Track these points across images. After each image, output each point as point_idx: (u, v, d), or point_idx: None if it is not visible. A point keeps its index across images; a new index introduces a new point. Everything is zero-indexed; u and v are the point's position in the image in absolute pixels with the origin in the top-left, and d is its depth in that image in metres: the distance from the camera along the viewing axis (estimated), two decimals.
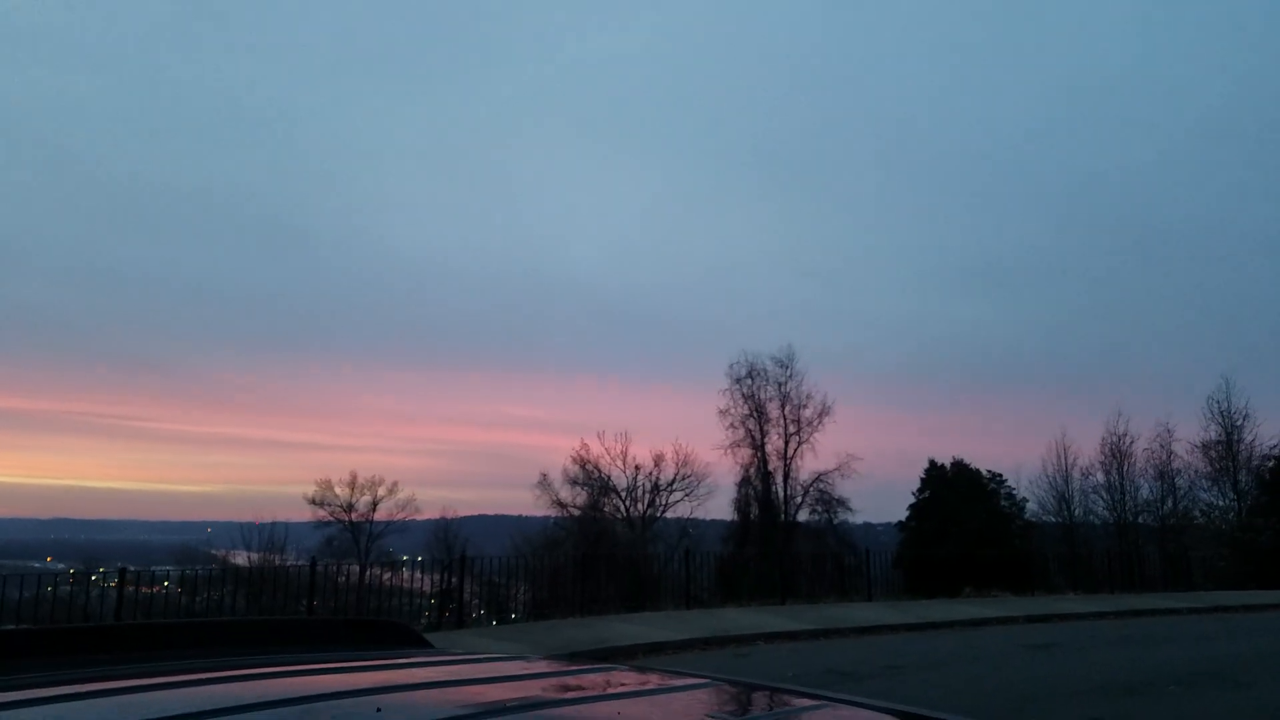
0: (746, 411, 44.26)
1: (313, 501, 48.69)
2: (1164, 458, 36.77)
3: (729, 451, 43.92)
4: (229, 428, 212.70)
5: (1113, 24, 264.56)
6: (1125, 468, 37.47)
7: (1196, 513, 35.66)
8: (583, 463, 43.13)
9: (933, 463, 41.10)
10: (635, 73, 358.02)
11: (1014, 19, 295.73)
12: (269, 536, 44.62)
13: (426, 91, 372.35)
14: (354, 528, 49.15)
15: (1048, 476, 38.72)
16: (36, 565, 49.88)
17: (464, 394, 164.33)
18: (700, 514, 44.30)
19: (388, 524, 50.12)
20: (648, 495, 43.63)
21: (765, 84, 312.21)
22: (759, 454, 43.73)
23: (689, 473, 43.64)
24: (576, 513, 42.56)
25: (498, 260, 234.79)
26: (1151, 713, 8.35)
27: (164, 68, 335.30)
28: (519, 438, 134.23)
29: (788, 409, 44.10)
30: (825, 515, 43.29)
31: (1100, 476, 37.97)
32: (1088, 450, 40.19)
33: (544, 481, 43.02)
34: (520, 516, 51.11)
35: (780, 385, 44.35)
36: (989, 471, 40.57)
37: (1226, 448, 34.81)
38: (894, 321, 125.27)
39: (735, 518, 43.52)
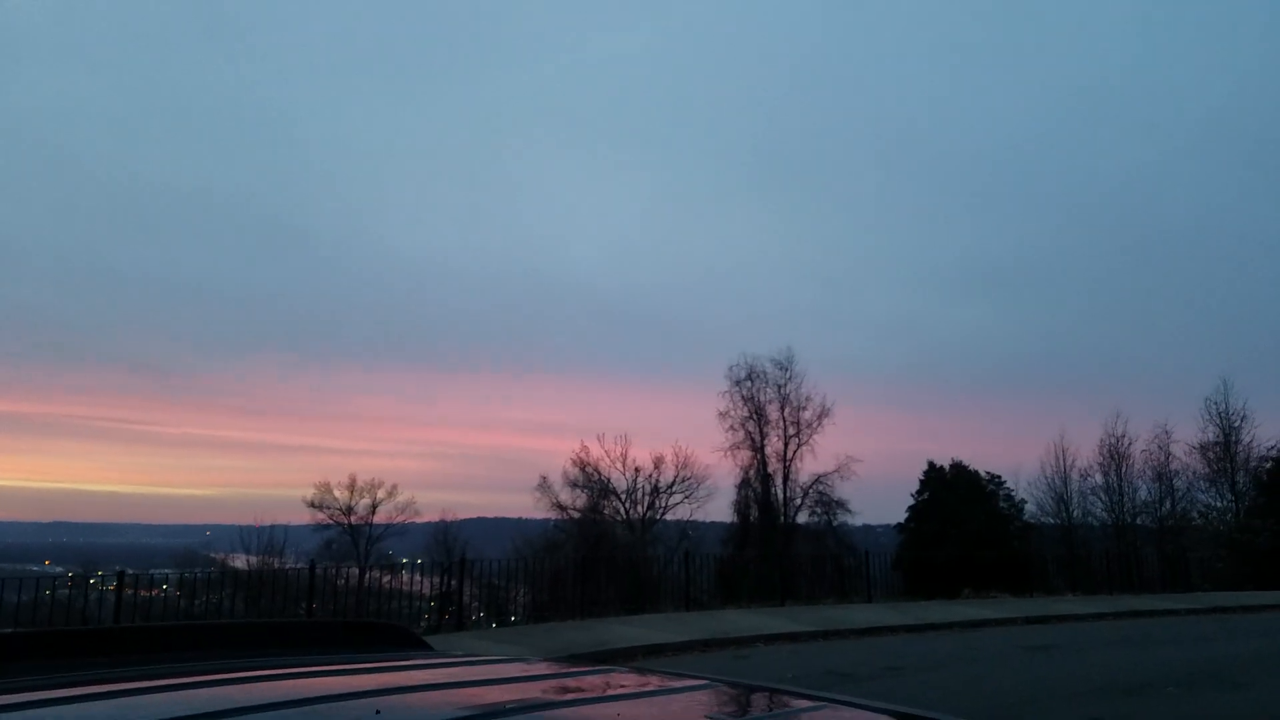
0: (746, 414, 44.29)
1: (312, 504, 48.68)
2: (1162, 459, 36.84)
3: (729, 454, 43.97)
4: (228, 431, 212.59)
5: (1113, 25, 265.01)
6: (1124, 469, 37.54)
7: (1195, 514, 35.69)
8: (582, 465, 43.16)
9: (932, 464, 41.14)
10: (635, 73, 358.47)
11: (1014, 20, 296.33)
12: (268, 539, 44.61)
13: (426, 93, 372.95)
14: (353, 530, 49.12)
15: (1046, 478, 38.79)
16: (35, 569, 49.87)
17: (463, 396, 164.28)
18: (700, 516, 44.32)
19: (387, 527, 50.13)
20: (647, 497, 43.64)
21: (765, 85, 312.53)
22: (758, 456, 43.75)
23: (689, 475, 43.67)
24: (576, 515, 42.54)
25: (497, 261, 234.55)
26: (1150, 714, 8.36)
27: (164, 69, 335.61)
28: (519, 440, 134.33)
29: (787, 411, 44.14)
30: (825, 517, 43.30)
31: (1099, 478, 38.04)
32: (1086, 452, 40.26)
33: (544, 484, 43.04)
34: (520, 519, 51.06)
35: (780, 387, 44.39)
36: (988, 473, 40.61)
37: (1224, 449, 34.85)
38: (893, 323, 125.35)
39: (735, 520, 43.51)
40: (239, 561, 42.99)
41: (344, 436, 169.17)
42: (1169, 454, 36.62)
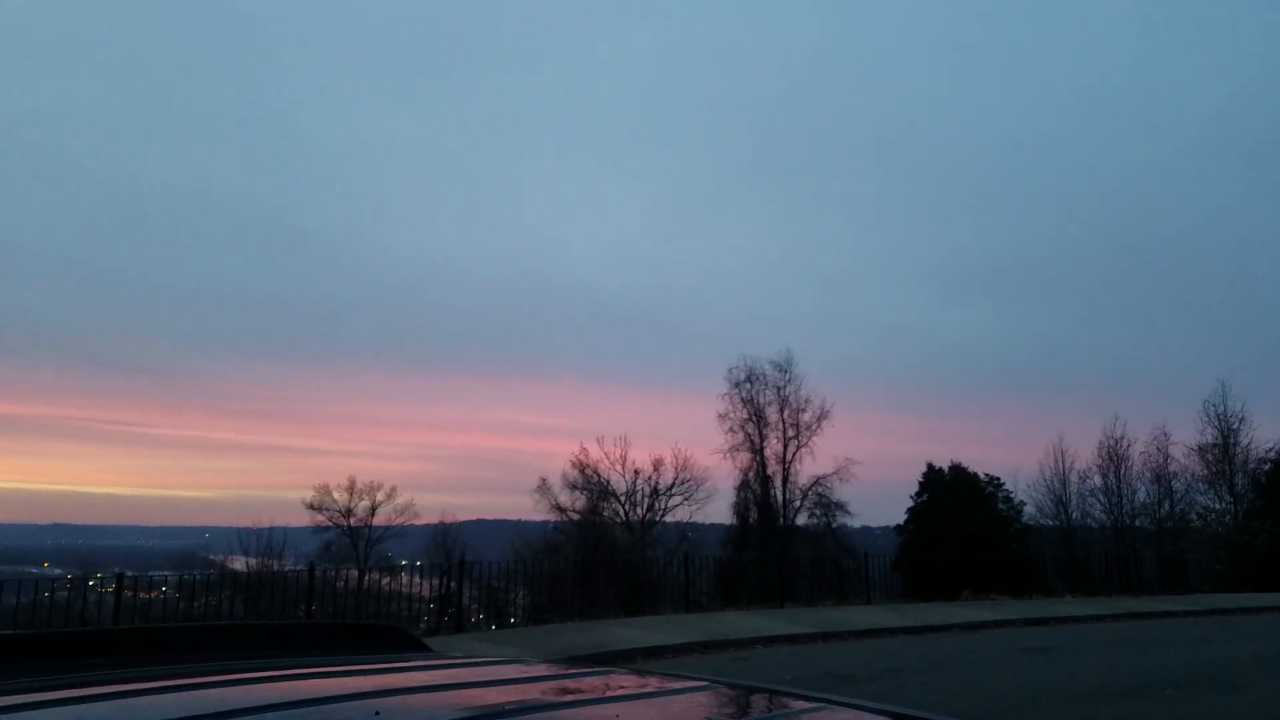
0: (745, 416, 44.31)
1: (311, 506, 48.68)
2: (1161, 461, 36.89)
3: (728, 456, 43.99)
4: (228, 433, 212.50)
5: (1113, 25, 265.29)
6: (1122, 471, 37.58)
7: (1193, 516, 35.72)
8: (582, 467, 43.18)
9: (931, 466, 41.16)
10: (635, 75, 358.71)
11: (1014, 20, 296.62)
12: (267, 541, 44.73)
13: (427, 94, 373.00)
14: (352, 533, 49.09)
15: (1045, 480, 38.85)
16: (34, 570, 49.84)
17: (463, 397, 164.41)
18: (699, 518, 44.35)
19: (386, 529, 50.14)
20: (647, 499, 43.67)
21: (764, 86, 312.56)
22: (758, 458, 43.77)
23: (688, 477, 43.71)
24: (576, 517, 42.54)
25: (497, 261, 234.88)
26: (1149, 716, 8.36)
27: (164, 70, 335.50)
28: (518, 442, 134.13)
29: (786, 413, 44.17)
30: (824, 519, 43.31)
31: (1097, 480, 38.10)
32: (1085, 454, 40.23)
33: (543, 486, 43.06)
34: (519, 521, 51.00)
35: (779, 389, 44.43)
36: (987, 475, 40.64)
37: (1223, 451, 34.89)
38: (892, 325, 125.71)
39: (734, 522, 43.52)
40: (238, 563, 43.03)
41: (343, 438, 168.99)
42: (1168, 456, 36.73)
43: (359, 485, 49.31)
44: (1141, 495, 37.36)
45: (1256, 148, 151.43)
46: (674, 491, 43.55)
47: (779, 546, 38.84)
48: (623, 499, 43.53)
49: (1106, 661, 11.76)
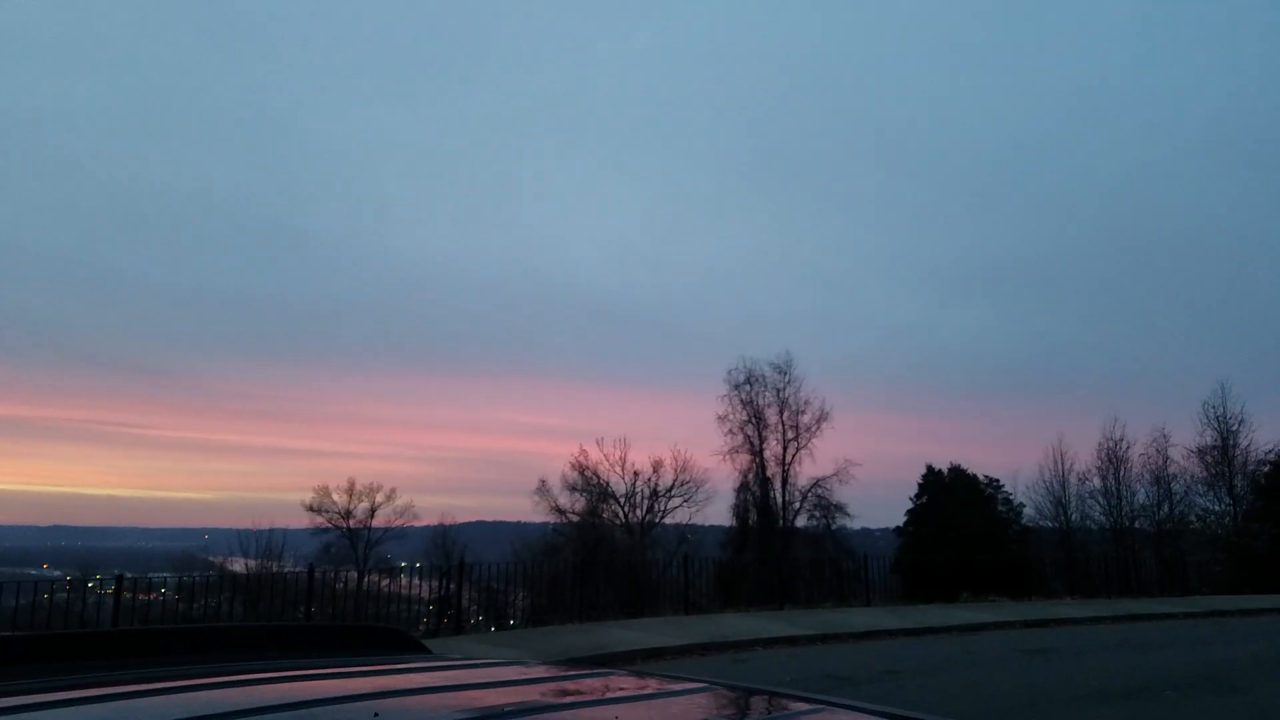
0: (745, 417, 44.34)
1: (310, 508, 48.63)
2: (1160, 463, 36.93)
3: (727, 457, 44.01)
4: (227, 434, 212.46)
5: (1113, 26, 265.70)
6: (1122, 473, 37.62)
7: (1192, 518, 35.74)
8: (581, 469, 43.18)
9: (930, 468, 41.18)
10: (635, 75, 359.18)
11: (1014, 20, 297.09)
12: (266, 543, 44.66)
13: (427, 94, 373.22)
14: (352, 534, 49.05)
15: (1045, 482, 38.89)
16: (33, 572, 49.77)
17: (462, 399, 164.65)
18: (699, 520, 44.30)
19: (386, 530, 50.07)
20: (646, 501, 43.67)
21: (764, 86, 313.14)
22: (757, 460, 43.78)
23: (687, 479, 43.70)
24: (575, 519, 42.54)
25: (497, 262, 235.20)
26: (1148, 718, 8.36)
27: (164, 71, 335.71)
28: (518, 444, 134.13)
29: (786, 415, 44.20)
30: (823, 521, 43.33)
31: (1097, 482, 38.13)
32: (1084, 455, 40.37)
33: (543, 488, 43.05)
34: (519, 523, 50.98)
35: (779, 391, 44.46)
36: (986, 477, 40.66)
37: (1222, 453, 34.91)
38: (892, 325, 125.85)
39: (734, 523, 43.54)
40: (237, 565, 43.00)
41: (343, 439, 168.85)
42: (1167, 458, 36.77)
43: (358, 487, 49.33)
44: (1141, 497, 37.45)
45: (1256, 148, 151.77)
46: (673, 493, 43.59)
47: (778, 548, 38.85)
48: (622, 501, 43.57)
49: (1106, 663, 11.76)
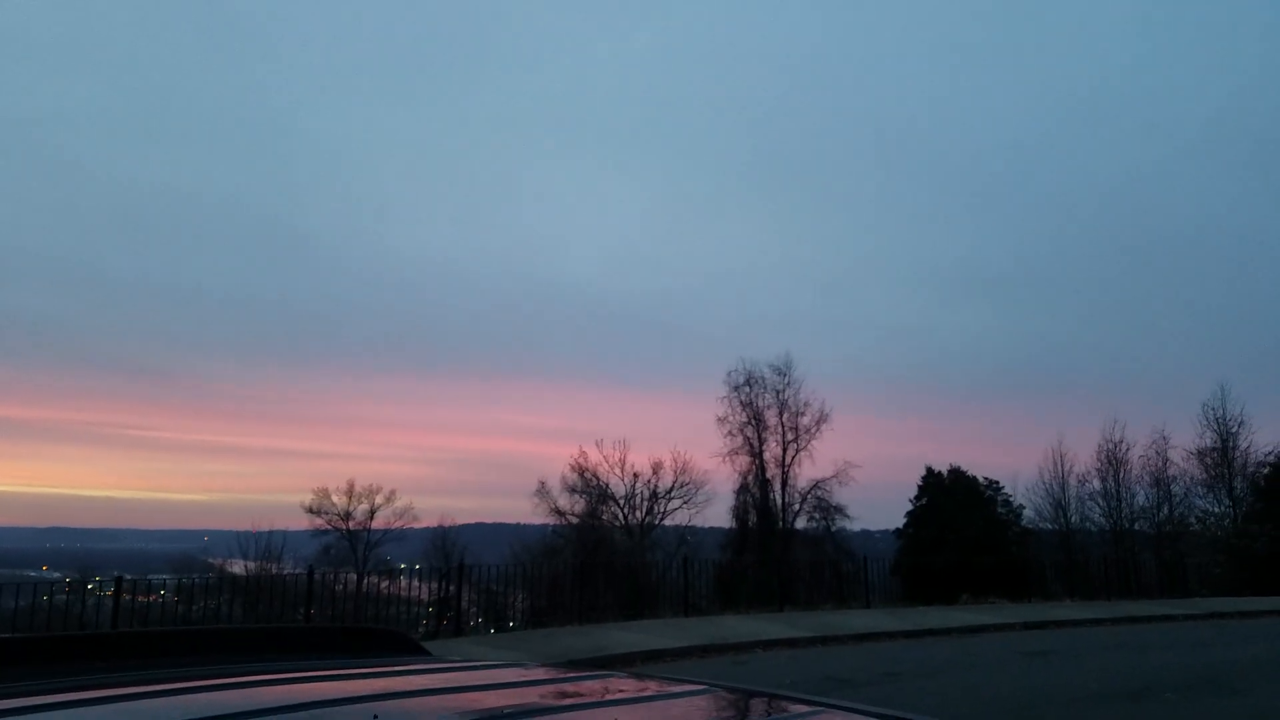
0: (745, 419, 44.34)
1: (310, 510, 48.60)
2: (1160, 465, 36.93)
3: (727, 459, 44.00)
4: (226, 436, 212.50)
5: (1113, 26, 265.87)
6: (1121, 475, 37.61)
7: (1192, 519, 35.73)
8: (581, 471, 43.18)
9: (930, 470, 41.18)
10: (635, 76, 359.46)
11: (1014, 21, 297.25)
12: (266, 545, 44.66)
13: (426, 95, 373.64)
14: (351, 536, 49.03)
15: (1044, 483, 38.87)
16: (32, 574, 49.73)
17: (462, 400, 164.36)
18: (698, 521, 44.30)
19: (385, 532, 50.02)
20: (646, 503, 43.66)
21: (764, 87, 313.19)
22: (757, 462, 43.78)
23: (687, 480, 43.70)
24: (575, 520, 42.54)
25: (497, 262, 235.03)
26: None
27: (163, 71, 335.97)
28: (517, 445, 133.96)
29: (786, 416, 44.20)
30: (823, 523, 43.33)
31: (1096, 483, 38.12)
32: (1084, 457, 40.35)
33: (542, 489, 43.05)
34: (518, 524, 51.08)
35: (778, 393, 44.47)
36: (986, 479, 40.67)
37: (1222, 454, 34.91)
38: (892, 326, 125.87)
39: (733, 525, 43.53)
40: (237, 567, 43.01)
41: (342, 441, 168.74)
42: (1167, 459, 36.77)
43: (358, 488, 49.30)
44: (1140, 499, 37.45)
45: (1257, 148, 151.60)
46: (673, 495, 43.59)
47: (778, 550, 38.83)
48: (622, 502, 43.57)
49: (1106, 665, 11.75)
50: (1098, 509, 38.10)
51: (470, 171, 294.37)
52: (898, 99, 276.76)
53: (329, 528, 48.87)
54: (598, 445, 44.09)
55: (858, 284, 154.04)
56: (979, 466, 54.71)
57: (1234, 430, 35.02)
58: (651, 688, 1.73)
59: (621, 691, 1.70)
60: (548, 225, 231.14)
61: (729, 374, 44.85)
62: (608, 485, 43.29)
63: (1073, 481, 38.47)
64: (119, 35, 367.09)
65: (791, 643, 14.04)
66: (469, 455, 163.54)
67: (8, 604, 13.67)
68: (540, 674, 1.84)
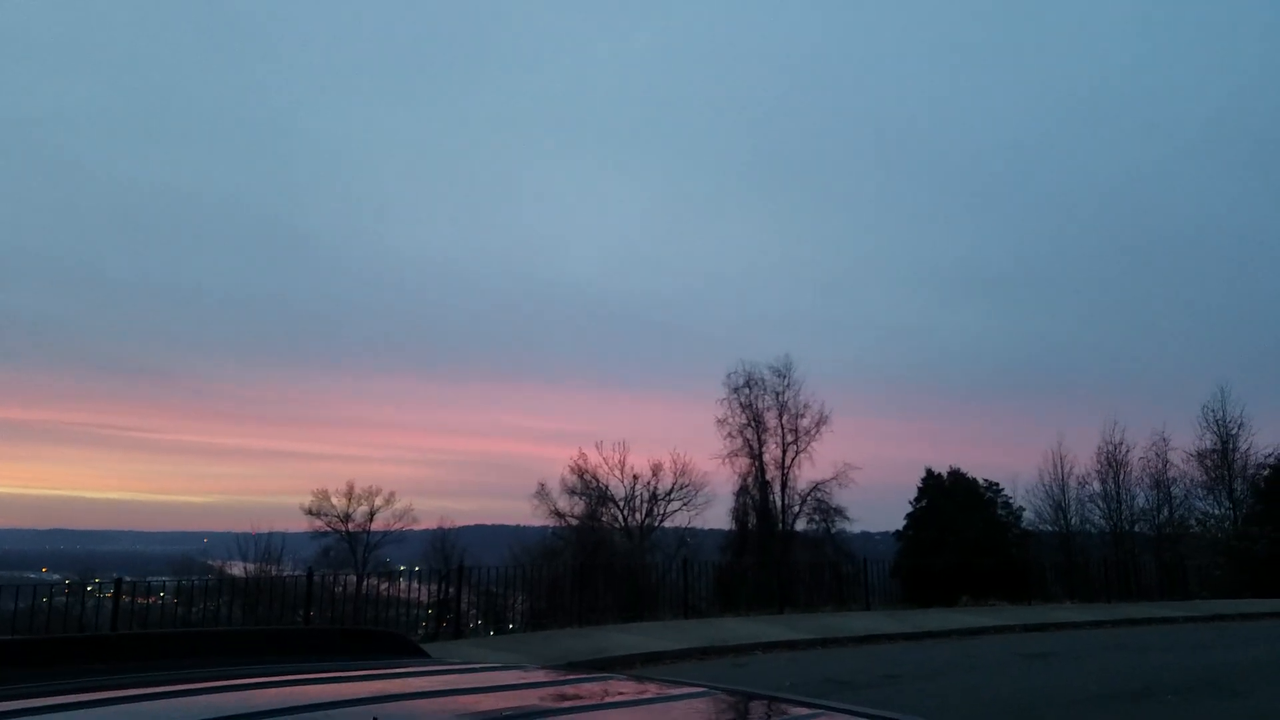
0: (744, 421, 44.36)
1: (309, 512, 48.62)
2: (1160, 467, 36.90)
3: (727, 461, 44.01)
4: (226, 438, 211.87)
5: (1113, 26, 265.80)
6: (1121, 477, 37.59)
7: (1192, 521, 35.71)
8: (580, 472, 43.19)
9: (930, 472, 41.17)
10: (635, 76, 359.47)
11: (1014, 21, 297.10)
12: (265, 547, 44.72)
13: (426, 95, 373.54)
14: (351, 538, 49.03)
15: (1044, 485, 38.85)
16: (32, 576, 49.76)
17: (462, 402, 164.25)
18: (698, 523, 44.31)
19: (385, 534, 50.03)
20: (645, 505, 43.66)
21: (764, 87, 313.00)
22: (757, 463, 43.78)
23: (687, 482, 43.71)
24: (574, 522, 42.54)
25: (496, 263, 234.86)
26: None
27: (163, 72, 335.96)
28: (517, 447, 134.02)
29: (785, 418, 44.22)
30: (823, 524, 43.32)
31: (1096, 485, 38.10)
32: (1084, 459, 40.23)
33: (542, 491, 43.05)
34: (518, 526, 51.12)
35: (778, 394, 44.50)
36: (986, 480, 40.66)
37: (1222, 456, 34.90)
38: (892, 326, 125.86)
39: (733, 527, 43.53)
40: (236, 569, 43.03)
41: (342, 442, 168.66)
42: (1167, 461, 36.74)
43: (357, 490, 49.33)
44: (1140, 501, 37.42)
45: (1257, 148, 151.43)
46: (673, 497, 43.60)
47: (778, 552, 38.82)
48: (621, 504, 43.57)
49: (1106, 667, 11.75)
50: (1098, 511, 38.12)
51: (470, 171, 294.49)
52: (898, 99, 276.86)
53: (328, 529, 48.93)
54: (597, 447, 44.19)
55: (858, 284, 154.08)
56: (979, 468, 54.80)
57: (1234, 432, 35.05)
58: (651, 690, 1.73)
59: (621, 694, 1.70)
60: (548, 225, 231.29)
61: (729, 375, 44.95)
62: (607, 487, 43.35)
63: (1073, 483, 38.49)
64: (119, 35, 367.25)
65: (791, 645, 14.04)
66: (469, 457, 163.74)
67: (7, 606, 13.67)
68: (540, 676, 1.84)
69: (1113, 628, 17.38)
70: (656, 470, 43.52)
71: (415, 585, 23.02)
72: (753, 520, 43.07)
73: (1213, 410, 35.33)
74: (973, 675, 11.32)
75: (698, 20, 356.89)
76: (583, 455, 43.30)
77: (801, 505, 43.47)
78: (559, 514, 42.74)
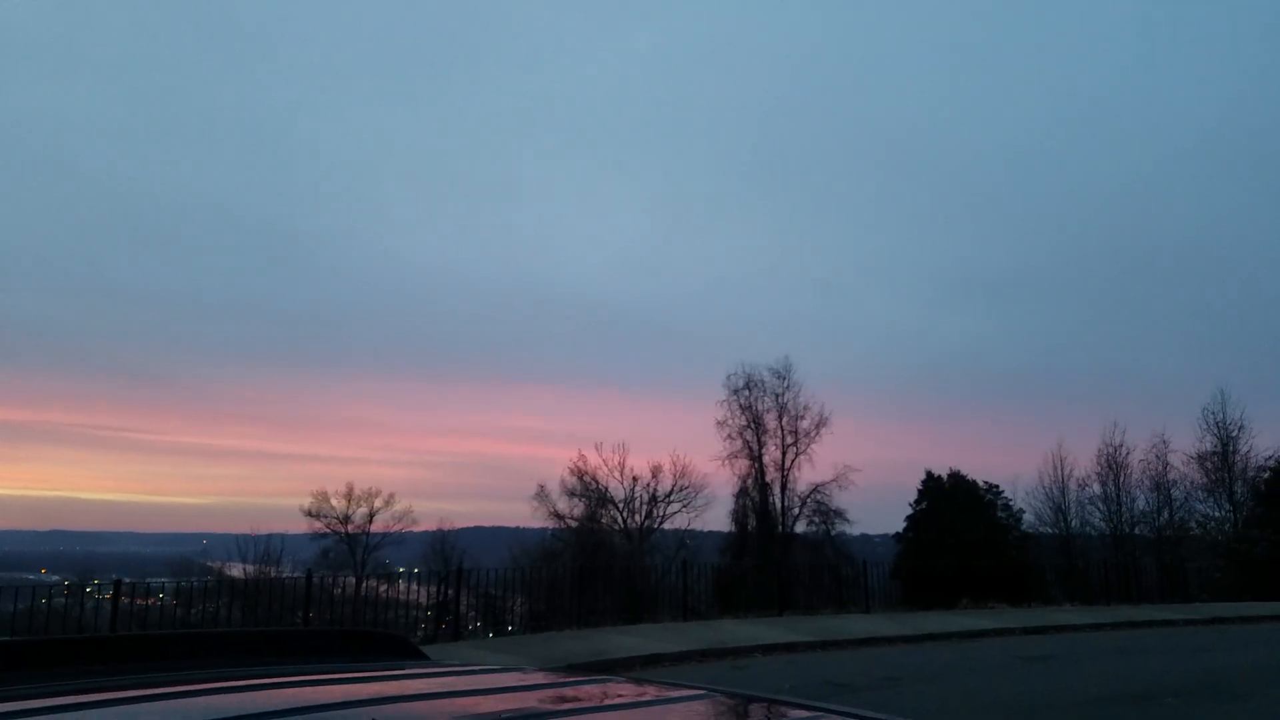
0: (744, 423, 44.33)
1: (309, 513, 48.59)
2: (1160, 469, 36.85)
3: (726, 463, 43.99)
4: (225, 439, 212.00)
5: (1112, 33, 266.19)
6: (1121, 479, 37.53)
7: (1192, 524, 35.66)
8: (580, 474, 43.14)
9: (930, 474, 41.14)
10: (635, 79, 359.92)
11: (1014, 28, 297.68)
12: (265, 548, 44.74)
13: (426, 98, 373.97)
14: (350, 539, 49.00)
15: (1044, 488, 38.77)
16: (31, 577, 49.69)
17: (461, 404, 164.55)
18: (698, 525, 44.25)
19: (384, 536, 50.01)
20: (645, 507, 43.60)
21: (764, 91, 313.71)
22: (756, 465, 43.76)
23: (686, 484, 43.65)
24: (574, 524, 42.48)
25: (496, 265, 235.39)
26: None
27: (163, 75, 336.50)
28: (516, 449, 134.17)
29: (785, 420, 44.20)
30: (823, 526, 43.29)
31: (1096, 488, 38.03)
32: (1084, 461, 40.21)
33: (541, 493, 43.00)
34: (517, 528, 50.98)
35: (778, 396, 44.47)
36: (986, 483, 40.62)
37: (1222, 459, 34.87)
38: (892, 329, 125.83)
39: (733, 529, 43.48)
40: (235, 570, 43.03)
41: (341, 444, 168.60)
42: (1167, 464, 36.68)
43: (357, 492, 49.31)
44: (1141, 503, 37.35)
45: (1256, 153, 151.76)
46: (672, 498, 43.54)
47: (777, 554, 38.78)
48: (621, 506, 43.52)
49: (1106, 670, 11.74)
50: (1098, 513, 38.06)
51: (470, 174, 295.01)
52: (898, 101, 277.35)
53: (328, 531, 48.90)
54: (597, 449, 44.13)
55: (858, 286, 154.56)
56: (979, 470, 54.65)
57: (1234, 434, 35.00)
58: (650, 692, 1.73)
59: (620, 696, 1.70)
60: (547, 227, 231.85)
61: (728, 377, 44.92)
62: (607, 489, 43.31)
63: (1073, 486, 38.43)
64: (118, 38, 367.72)
65: (791, 647, 14.02)
66: (468, 458, 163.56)
67: (7, 607, 13.66)
68: (539, 678, 1.84)
69: (1113, 630, 17.36)
70: (656, 472, 43.54)
71: (414, 587, 23.02)
72: (752, 522, 43.04)
73: (1213, 412, 35.34)
74: (972, 678, 11.31)
75: (698, 22, 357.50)
76: (582, 457, 43.32)
77: (801, 507, 43.49)
78: (558, 516, 42.74)
